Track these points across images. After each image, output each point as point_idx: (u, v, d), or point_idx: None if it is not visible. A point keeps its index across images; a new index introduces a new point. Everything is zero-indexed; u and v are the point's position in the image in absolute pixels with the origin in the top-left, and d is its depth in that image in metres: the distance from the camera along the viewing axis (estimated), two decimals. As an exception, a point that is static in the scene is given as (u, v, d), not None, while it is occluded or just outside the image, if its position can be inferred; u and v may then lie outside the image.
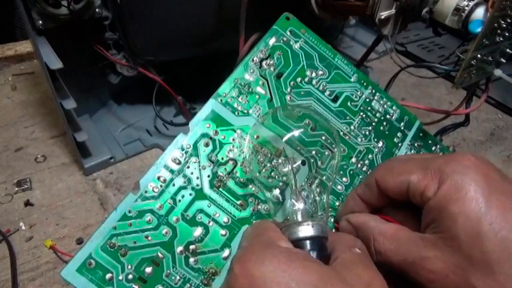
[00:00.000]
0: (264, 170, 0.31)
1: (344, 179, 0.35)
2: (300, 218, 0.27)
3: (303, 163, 0.31)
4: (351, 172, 0.35)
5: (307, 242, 0.25)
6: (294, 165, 0.30)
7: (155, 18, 0.50)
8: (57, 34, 0.48)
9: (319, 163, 0.31)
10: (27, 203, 0.51)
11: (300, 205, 0.27)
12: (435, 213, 0.25)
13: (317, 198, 0.29)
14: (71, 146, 0.54)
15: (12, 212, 0.50)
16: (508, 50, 0.40)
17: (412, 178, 0.26)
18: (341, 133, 0.36)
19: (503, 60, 0.41)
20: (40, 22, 0.46)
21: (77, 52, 0.54)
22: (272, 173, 0.31)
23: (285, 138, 0.31)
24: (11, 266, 0.44)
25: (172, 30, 0.52)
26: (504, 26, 0.36)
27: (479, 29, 0.37)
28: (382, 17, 0.43)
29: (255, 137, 0.32)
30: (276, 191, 0.30)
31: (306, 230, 0.25)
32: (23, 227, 0.48)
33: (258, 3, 0.42)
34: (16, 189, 0.53)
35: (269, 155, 0.31)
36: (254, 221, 0.31)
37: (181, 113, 0.63)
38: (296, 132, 0.31)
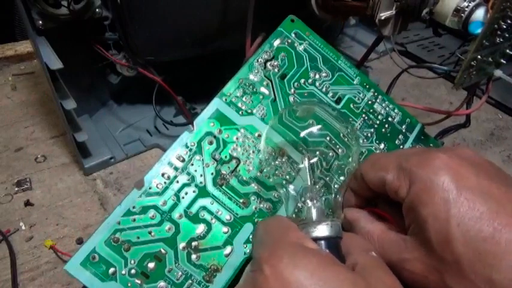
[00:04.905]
0: (276, 171, 0.31)
1: (342, 178, 0.35)
2: (314, 217, 0.27)
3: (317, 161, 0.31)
4: None
5: (325, 242, 0.25)
6: (311, 161, 0.29)
7: (155, 18, 0.50)
8: (57, 34, 0.48)
9: (323, 164, 0.31)
10: (27, 203, 0.51)
11: (316, 203, 0.27)
12: (410, 214, 0.25)
13: (323, 198, 0.29)
14: (71, 146, 0.54)
15: (12, 212, 0.50)
16: (508, 51, 0.41)
17: (388, 176, 0.26)
18: (341, 135, 0.36)
19: (503, 61, 0.41)
20: (40, 22, 0.46)
21: (77, 52, 0.54)
22: (287, 175, 0.31)
23: (303, 133, 0.30)
24: (11, 266, 0.44)
25: (172, 30, 0.52)
26: (504, 27, 0.36)
27: (479, 30, 0.37)
28: (382, 18, 0.43)
29: (267, 139, 0.32)
30: (291, 188, 0.29)
31: (324, 230, 0.25)
32: (23, 227, 0.48)
33: (258, 4, 0.43)
34: (16, 189, 0.52)
35: (276, 154, 0.31)
36: (269, 217, 0.31)
37: (181, 113, 0.63)
38: (314, 129, 0.31)
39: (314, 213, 0.27)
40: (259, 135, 0.33)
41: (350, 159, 0.32)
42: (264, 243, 0.24)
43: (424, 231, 0.24)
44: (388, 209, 0.29)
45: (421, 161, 0.25)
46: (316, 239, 0.24)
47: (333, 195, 0.29)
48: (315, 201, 0.27)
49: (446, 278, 0.23)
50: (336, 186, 0.32)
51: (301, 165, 0.30)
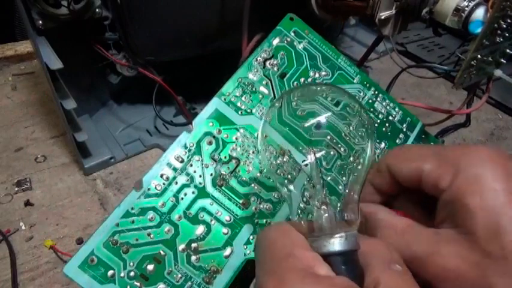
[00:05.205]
0: (278, 170, 0.30)
1: (344, 179, 0.35)
2: (326, 226, 0.24)
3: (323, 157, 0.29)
4: None
5: (340, 258, 0.22)
6: (318, 155, 0.27)
7: (155, 18, 0.50)
8: (57, 34, 0.48)
9: (324, 163, 0.31)
10: (27, 203, 0.51)
11: (326, 209, 0.24)
12: (450, 206, 0.23)
13: (327, 199, 0.28)
14: (71, 146, 0.54)
15: (12, 212, 0.50)
16: (508, 51, 0.41)
17: (425, 166, 0.25)
18: (342, 134, 0.36)
19: (503, 61, 0.41)
20: (40, 22, 0.46)
21: (77, 52, 0.54)
22: (289, 175, 0.30)
23: (308, 124, 0.29)
24: (11, 266, 0.44)
25: (172, 30, 0.52)
26: (504, 26, 0.36)
27: (479, 30, 0.37)
28: (382, 18, 0.43)
29: (264, 136, 0.31)
30: (291, 186, 0.28)
31: (338, 244, 0.22)
32: (23, 227, 0.48)
33: (258, 3, 0.43)
34: (16, 189, 0.53)
35: (277, 154, 0.31)
36: (273, 227, 0.26)
37: (181, 113, 0.63)
38: (322, 118, 0.29)
39: (325, 222, 0.24)
40: (266, 136, 0.32)
41: (351, 158, 0.31)
42: (269, 268, 0.21)
43: (469, 223, 0.22)
44: (408, 210, 0.28)
45: (466, 152, 0.24)
46: (329, 255, 0.22)
47: (342, 195, 0.28)
48: (324, 207, 0.24)
49: (490, 275, 0.21)
50: (340, 187, 0.32)
51: (303, 163, 0.29)
